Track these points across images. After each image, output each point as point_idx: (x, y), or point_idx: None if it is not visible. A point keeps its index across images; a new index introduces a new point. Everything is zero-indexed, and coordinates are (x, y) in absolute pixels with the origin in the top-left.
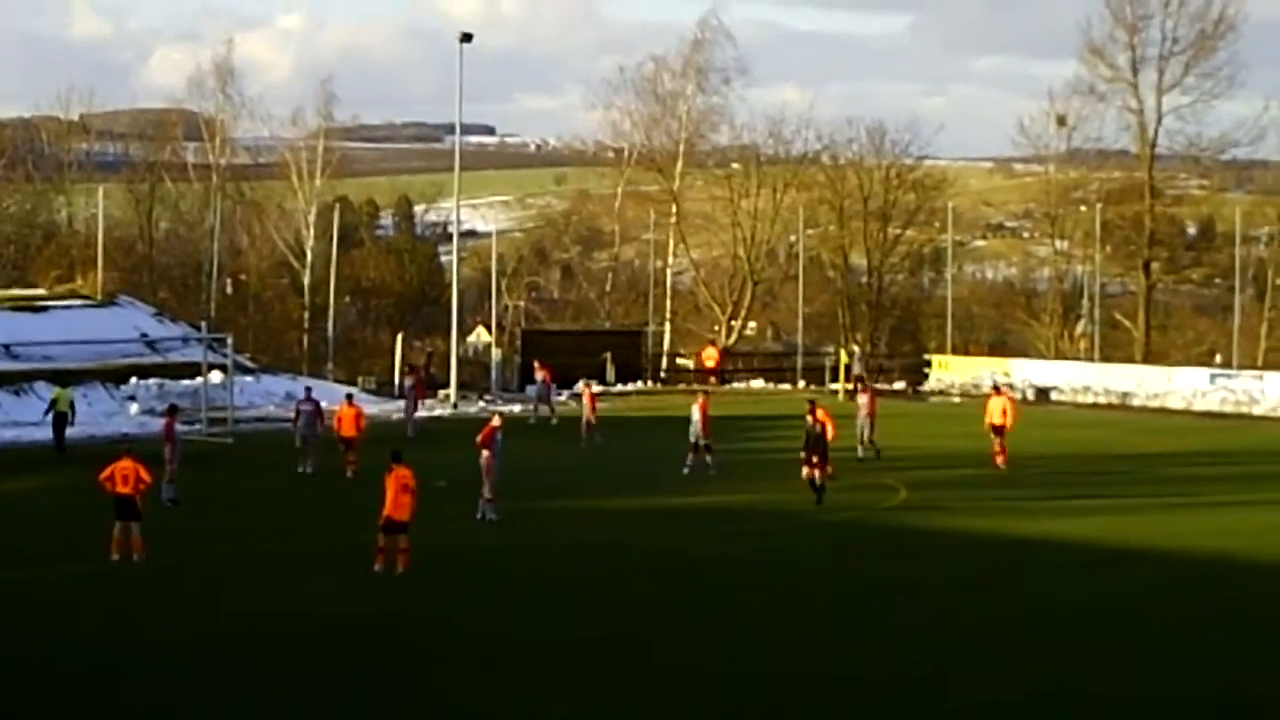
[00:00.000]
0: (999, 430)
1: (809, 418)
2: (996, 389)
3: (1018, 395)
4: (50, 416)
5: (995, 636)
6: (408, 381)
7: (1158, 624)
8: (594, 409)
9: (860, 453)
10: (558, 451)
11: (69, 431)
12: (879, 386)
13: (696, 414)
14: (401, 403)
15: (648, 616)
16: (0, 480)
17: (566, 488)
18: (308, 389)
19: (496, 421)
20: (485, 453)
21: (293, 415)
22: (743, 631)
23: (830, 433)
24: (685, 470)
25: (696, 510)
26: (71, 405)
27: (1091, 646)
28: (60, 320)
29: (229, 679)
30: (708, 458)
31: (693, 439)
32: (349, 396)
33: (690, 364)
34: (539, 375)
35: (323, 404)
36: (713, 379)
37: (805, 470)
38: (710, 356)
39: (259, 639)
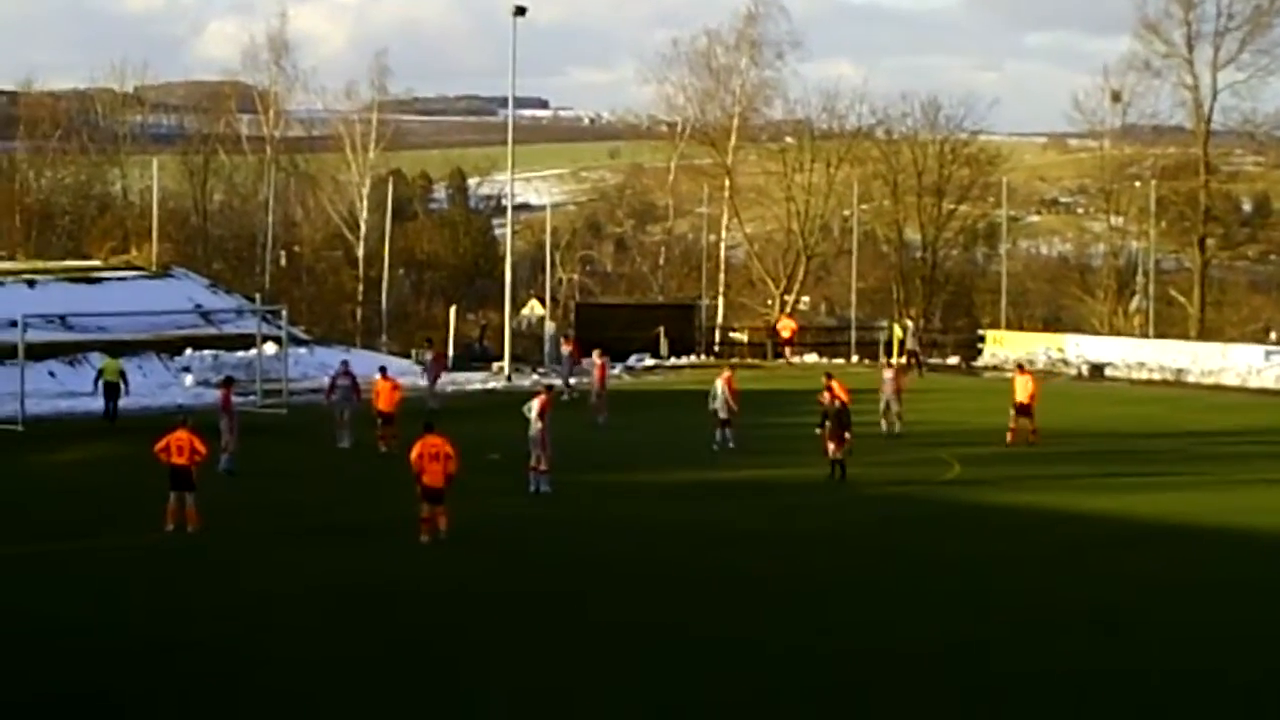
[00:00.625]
0: (1023, 409)
1: (825, 395)
2: (1021, 367)
3: (1072, 371)
4: (100, 387)
5: (1047, 612)
6: (428, 355)
7: (1211, 600)
8: (603, 384)
9: (884, 427)
10: (594, 425)
11: (122, 402)
12: (933, 361)
13: (720, 388)
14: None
15: (695, 591)
16: (56, 450)
17: (611, 462)
18: (344, 361)
19: (546, 394)
20: (539, 424)
21: (326, 388)
22: (792, 606)
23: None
24: (714, 447)
25: (745, 484)
26: (122, 375)
27: (1146, 622)
28: (115, 292)
29: (281, 648)
30: (728, 432)
31: (716, 412)
32: (383, 370)
33: (744, 338)
34: (565, 349)
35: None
36: (789, 349)
37: (831, 448)
38: (786, 327)
39: (310, 609)
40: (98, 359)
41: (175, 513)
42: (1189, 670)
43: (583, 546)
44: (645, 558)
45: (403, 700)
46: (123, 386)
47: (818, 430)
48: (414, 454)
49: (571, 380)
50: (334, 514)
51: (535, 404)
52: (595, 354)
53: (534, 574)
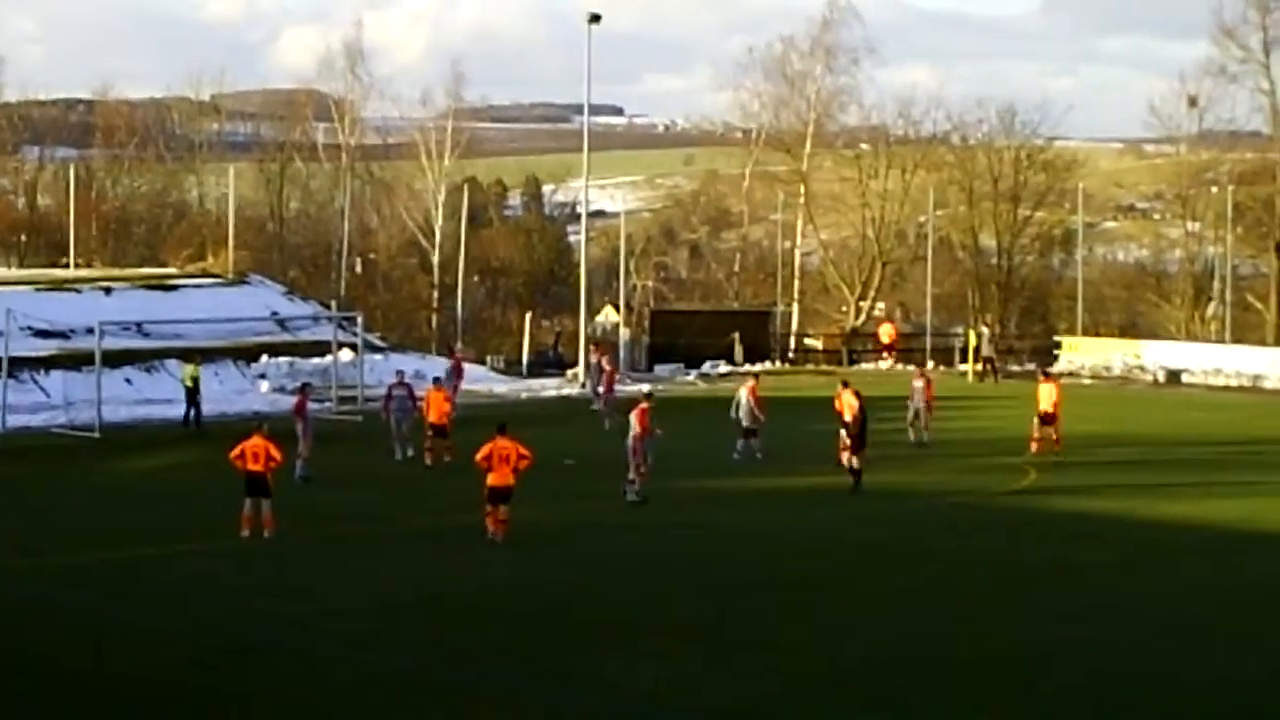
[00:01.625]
0: (1048, 419)
1: (838, 402)
2: (1045, 374)
3: (1149, 378)
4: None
5: (1120, 620)
6: (448, 363)
7: None
8: (610, 387)
9: (911, 436)
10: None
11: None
12: (1009, 368)
13: (745, 397)
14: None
15: (764, 597)
16: (133, 457)
17: (682, 468)
18: (400, 372)
19: (646, 402)
20: (638, 428)
21: (383, 398)
22: (867, 614)
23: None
24: (735, 456)
25: (820, 492)
26: (194, 380)
27: (1216, 631)
28: (191, 299)
29: (355, 652)
30: (753, 442)
31: (739, 421)
32: (436, 380)
33: (819, 344)
34: (594, 357)
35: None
36: (889, 354)
37: (844, 456)
38: (888, 333)
39: (385, 617)
40: (175, 366)
41: (251, 519)
42: (1264, 679)
43: (646, 547)
44: (714, 563)
45: (483, 713)
46: (195, 390)
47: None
48: (482, 454)
49: (601, 389)
50: (410, 521)
51: (634, 413)
52: (603, 359)
53: (615, 583)
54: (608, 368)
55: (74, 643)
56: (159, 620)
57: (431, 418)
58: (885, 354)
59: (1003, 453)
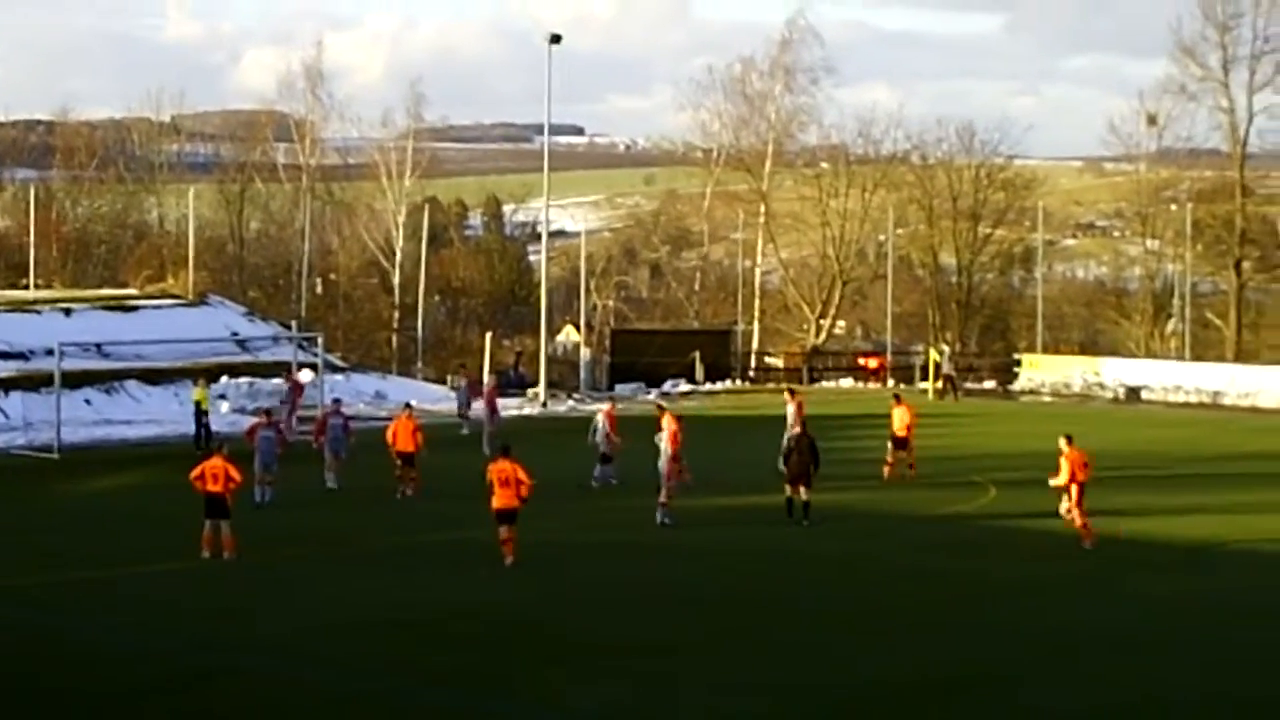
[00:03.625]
0: (900, 442)
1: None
2: (897, 399)
3: (1109, 395)
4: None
5: (1078, 637)
6: (462, 382)
7: (1247, 624)
8: (493, 409)
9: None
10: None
11: (155, 430)
12: (969, 385)
13: (602, 422)
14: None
15: (732, 616)
16: (92, 478)
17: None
18: (335, 400)
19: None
20: (670, 449)
21: (314, 427)
22: (831, 632)
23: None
24: (594, 484)
25: (778, 509)
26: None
27: (1178, 647)
28: (151, 319)
29: (321, 673)
30: (609, 469)
31: (596, 446)
32: (408, 406)
33: (780, 363)
34: (460, 381)
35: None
36: (873, 379)
37: (790, 490)
38: (873, 361)
39: (350, 638)
40: (135, 387)
41: (211, 540)
42: (1220, 693)
43: (638, 567)
44: (693, 582)
45: None
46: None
47: (781, 467)
48: (488, 477)
49: (466, 414)
50: (374, 542)
51: (665, 434)
52: (474, 379)
53: (584, 602)
54: (487, 388)
55: (36, 663)
56: (120, 641)
57: (399, 445)
58: (871, 378)
59: (963, 471)
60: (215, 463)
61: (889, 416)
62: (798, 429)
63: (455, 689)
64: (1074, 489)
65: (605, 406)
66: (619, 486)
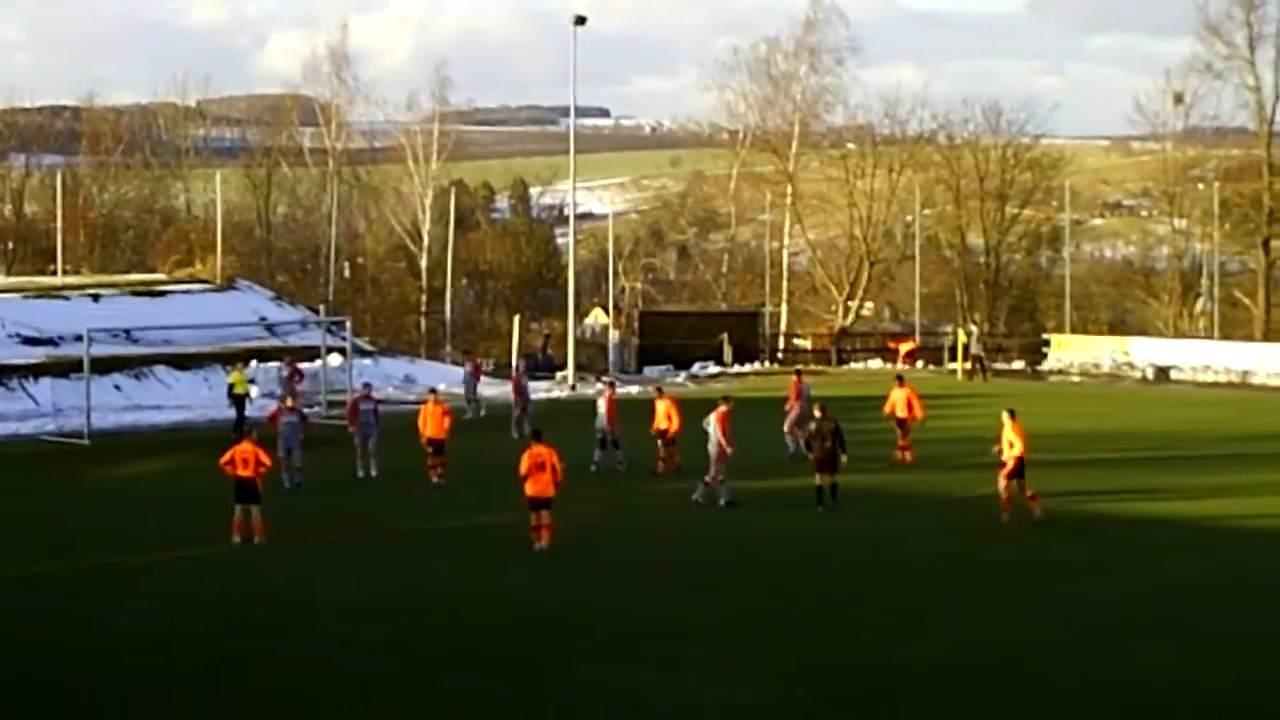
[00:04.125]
0: (902, 424)
1: (818, 412)
2: (900, 380)
3: (1137, 374)
4: (230, 399)
5: (1104, 619)
6: (468, 366)
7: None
8: (520, 395)
9: (790, 446)
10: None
11: (188, 415)
12: (998, 366)
13: (602, 406)
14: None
15: (747, 599)
16: (122, 464)
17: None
18: (366, 385)
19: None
20: (720, 433)
21: (346, 412)
22: (851, 613)
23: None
24: (593, 468)
25: (807, 492)
26: (231, 385)
27: (1205, 627)
28: (179, 304)
29: (346, 656)
30: (618, 452)
31: (599, 435)
32: (433, 391)
33: (808, 344)
34: (467, 366)
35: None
36: (906, 361)
37: (819, 478)
38: (908, 346)
39: (374, 621)
40: (164, 372)
41: (242, 525)
42: (1250, 675)
43: (649, 551)
44: (686, 564)
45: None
46: (248, 396)
47: (807, 453)
48: (521, 464)
49: (478, 398)
50: (400, 526)
51: (713, 417)
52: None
53: (606, 588)
54: (517, 372)
55: (66, 650)
56: (150, 627)
57: (429, 432)
58: (906, 361)
59: (990, 452)
60: (245, 447)
61: (886, 399)
62: (818, 413)
63: (478, 673)
64: (1011, 462)
65: (607, 392)
66: (631, 470)
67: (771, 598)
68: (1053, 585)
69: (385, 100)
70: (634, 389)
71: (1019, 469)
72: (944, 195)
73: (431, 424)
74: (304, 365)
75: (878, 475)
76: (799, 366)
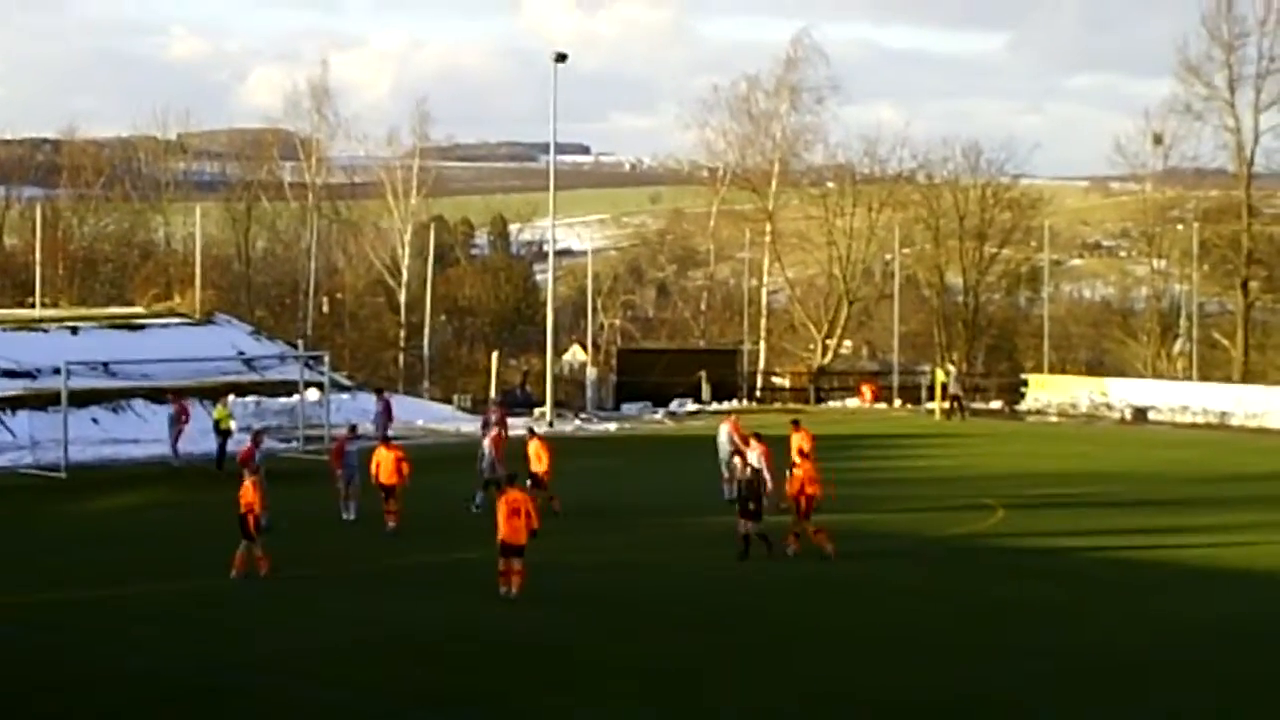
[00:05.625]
0: (537, 481)
1: (744, 457)
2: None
3: (1115, 415)
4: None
5: (1088, 659)
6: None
7: (1257, 649)
8: (498, 449)
9: (726, 492)
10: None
11: (160, 449)
12: (976, 405)
13: (488, 447)
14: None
15: (730, 636)
16: (100, 497)
17: (650, 507)
18: (352, 426)
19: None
20: (759, 460)
21: (331, 453)
22: (834, 652)
23: (767, 469)
24: (475, 509)
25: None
26: (217, 420)
27: (1188, 670)
28: (158, 338)
29: (324, 693)
30: (481, 495)
31: (480, 473)
32: (386, 439)
33: (786, 382)
34: (378, 405)
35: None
36: (866, 402)
37: (742, 524)
38: (868, 388)
39: (352, 658)
40: (141, 405)
41: (243, 561)
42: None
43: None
44: (661, 603)
45: None
46: (230, 432)
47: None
48: (499, 510)
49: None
50: (378, 562)
51: (756, 452)
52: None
53: (584, 624)
54: (496, 412)
55: (42, 684)
56: (124, 662)
57: (382, 479)
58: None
59: (971, 492)
60: (246, 485)
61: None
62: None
63: (453, 710)
64: (804, 502)
65: (493, 432)
66: (603, 516)
67: (755, 635)
68: (1037, 625)
69: (366, 135)
70: (612, 426)
71: (809, 509)
72: (923, 234)
73: (385, 469)
74: (282, 400)
75: (860, 514)
76: (796, 418)
